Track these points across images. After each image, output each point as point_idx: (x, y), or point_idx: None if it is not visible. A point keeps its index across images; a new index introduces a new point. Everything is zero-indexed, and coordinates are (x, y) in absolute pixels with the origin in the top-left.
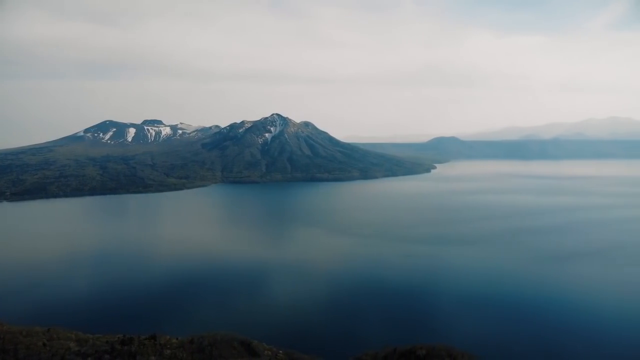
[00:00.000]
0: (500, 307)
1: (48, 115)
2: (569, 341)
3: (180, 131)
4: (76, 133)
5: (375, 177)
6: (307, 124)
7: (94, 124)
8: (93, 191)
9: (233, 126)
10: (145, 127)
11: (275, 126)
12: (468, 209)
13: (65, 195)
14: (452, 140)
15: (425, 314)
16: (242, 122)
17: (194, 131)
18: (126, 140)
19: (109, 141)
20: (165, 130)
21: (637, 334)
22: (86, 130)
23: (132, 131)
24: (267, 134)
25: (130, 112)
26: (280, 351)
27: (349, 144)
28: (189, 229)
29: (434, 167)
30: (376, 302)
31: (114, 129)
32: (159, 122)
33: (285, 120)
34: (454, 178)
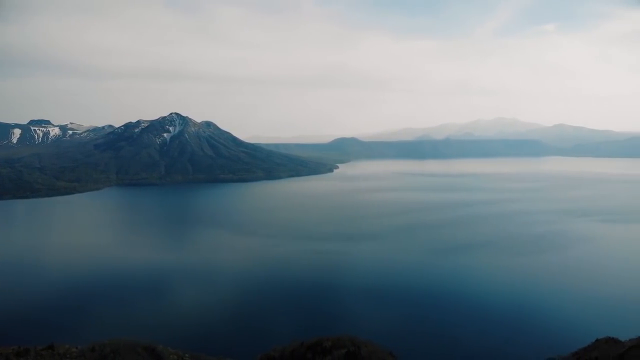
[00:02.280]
0: (402, 297)
1: None
2: (465, 325)
3: (70, 132)
4: None
5: (280, 178)
6: (208, 124)
7: None
8: None
9: (128, 126)
10: (32, 128)
11: (175, 126)
12: (369, 206)
13: None
14: (353, 141)
15: (333, 307)
16: (138, 122)
17: (85, 131)
18: (10, 141)
19: None
20: (54, 131)
21: (524, 316)
22: None
23: (17, 132)
24: (165, 134)
25: (15, 112)
26: (187, 354)
27: (252, 145)
28: (84, 234)
29: (337, 167)
30: (284, 299)
31: None
32: (47, 122)
33: (185, 120)
34: (355, 177)
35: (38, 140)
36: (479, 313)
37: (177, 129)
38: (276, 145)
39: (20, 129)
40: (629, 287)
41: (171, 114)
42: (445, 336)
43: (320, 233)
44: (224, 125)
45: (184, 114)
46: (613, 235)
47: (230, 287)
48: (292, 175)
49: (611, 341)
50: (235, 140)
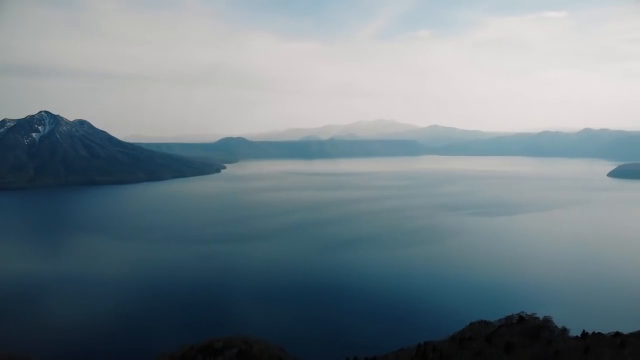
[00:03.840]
0: (292, 292)
1: None
2: (352, 315)
3: None
4: None
5: (163, 179)
6: (82, 123)
7: None
8: None
9: None
10: None
11: (44, 125)
12: (259, 206)
13: None
14: (240, 141)
15: (224, 309)
16: (4, 121)
17: None
18: None
19: None
20: None
21: (406, 304)
22: None
23: None
24: (34, 134)
25: None
26: None
27: (132, 144)
28: None
29: (224, 167)
30: (170, 304)
31: None
32: None
33: (55, 119)
34: (243, 177)
35: None
36: (365, 303)
37: (47, 128)
38: (158, 144)
39: None
40: (496, 273)
41: (40, 112)
42: (333, 326)
43: (208, 235)
44: (100, 125)
45: (54, 112)
46: (482, 227)
47: (110, 294)
48: (177, 176)
49: (483, 323)
50: (112, 139)
